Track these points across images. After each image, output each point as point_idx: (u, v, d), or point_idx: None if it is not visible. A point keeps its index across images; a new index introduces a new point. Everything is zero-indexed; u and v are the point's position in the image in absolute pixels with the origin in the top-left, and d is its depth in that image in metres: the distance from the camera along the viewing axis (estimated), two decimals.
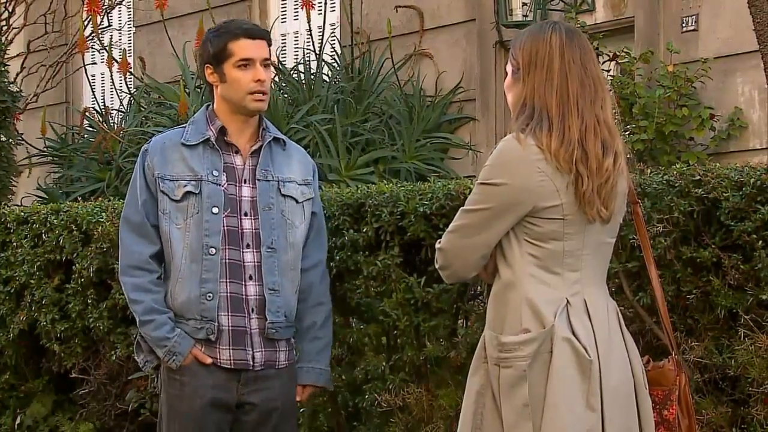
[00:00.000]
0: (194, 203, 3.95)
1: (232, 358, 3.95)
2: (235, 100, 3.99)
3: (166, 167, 3.98)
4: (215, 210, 3.94)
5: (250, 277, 3.96)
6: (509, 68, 3.31)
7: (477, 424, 3.20)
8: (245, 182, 4.00)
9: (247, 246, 3.96)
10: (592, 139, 3.17)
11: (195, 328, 3.94)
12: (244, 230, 3.97)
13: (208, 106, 4.08)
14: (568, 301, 3.17)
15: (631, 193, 3.36)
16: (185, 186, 3.96)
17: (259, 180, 4.00)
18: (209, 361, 3.93)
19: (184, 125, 4.13)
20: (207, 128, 4.02)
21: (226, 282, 3.93)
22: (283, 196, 4.03)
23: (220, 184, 3.96)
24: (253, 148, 4.03)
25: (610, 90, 3.34)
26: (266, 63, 4.00)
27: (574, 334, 3.14)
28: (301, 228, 4.06)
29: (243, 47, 3.96)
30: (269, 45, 4.05)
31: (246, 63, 3.96)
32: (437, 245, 3.29)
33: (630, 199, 3.35)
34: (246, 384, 3.97)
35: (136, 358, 4.08)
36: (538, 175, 3.14)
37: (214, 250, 3.92)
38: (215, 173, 3.97)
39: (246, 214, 3.98)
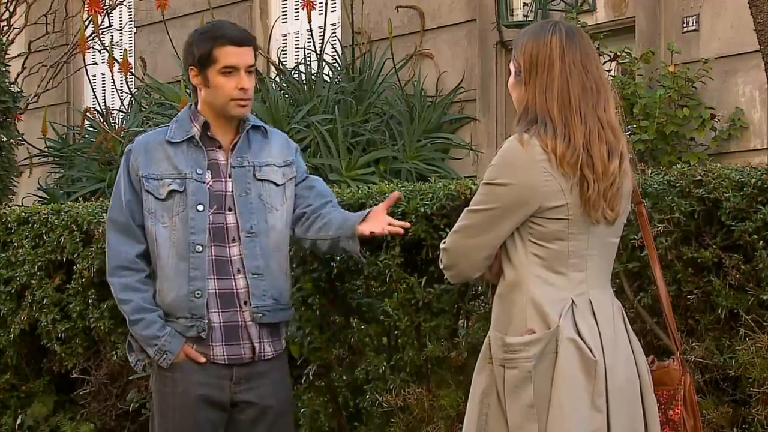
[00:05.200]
0: (179, 201, 3.96)
1: (225, 353, 3.96)
2: (218, 106, 4.00)
3: (151, 166, 4.00)
4: (200, 207, 3.95)
5: (238, 270, 3.97)
6: (512, 68, 3.31)
7: (482, 425, 3.20)
8: (228, 177, 4.02)
9: (233, 240, 3.97)
10: (596, 144, 3.16)
11: (185, 327, 3.94)
12: (229, 225, 3.98)
13: (191, 105, 4.10)
14: (573, 301, 3.17)
15: (636, 193, 3.36)
16: (170, 184, 3.97)
17: (234, 167, 4.01)
18: (203, 359, 3.95)
19: (167, 125, 4.14)
20: (191, 125, 4.03)
21: (214, 279, 3.95)
22: (260, 180, 4.03)
23: (204, 182, 3.97)
24: (234, 141, 4.05)
25: (613, 89, 3.32)
26: (250, 70, 4.00)
27: (579, 334, 3.14)
28: (281, 210, 4.06)
29: (228, 54, 3.95)
30: (255, 50, 4.05)
31: (230, 70, 3.96)
32: (442, 245, 3.28)
33: (634, 199, 3.35)
34: (239, 382, 3.97)
35: (128, 357, 4.09)
36: (543, 174, 3.13)
37: (200, 248, 3.93)
38: (199, 171, 3.98)
39: (230, 209, 3.99)
